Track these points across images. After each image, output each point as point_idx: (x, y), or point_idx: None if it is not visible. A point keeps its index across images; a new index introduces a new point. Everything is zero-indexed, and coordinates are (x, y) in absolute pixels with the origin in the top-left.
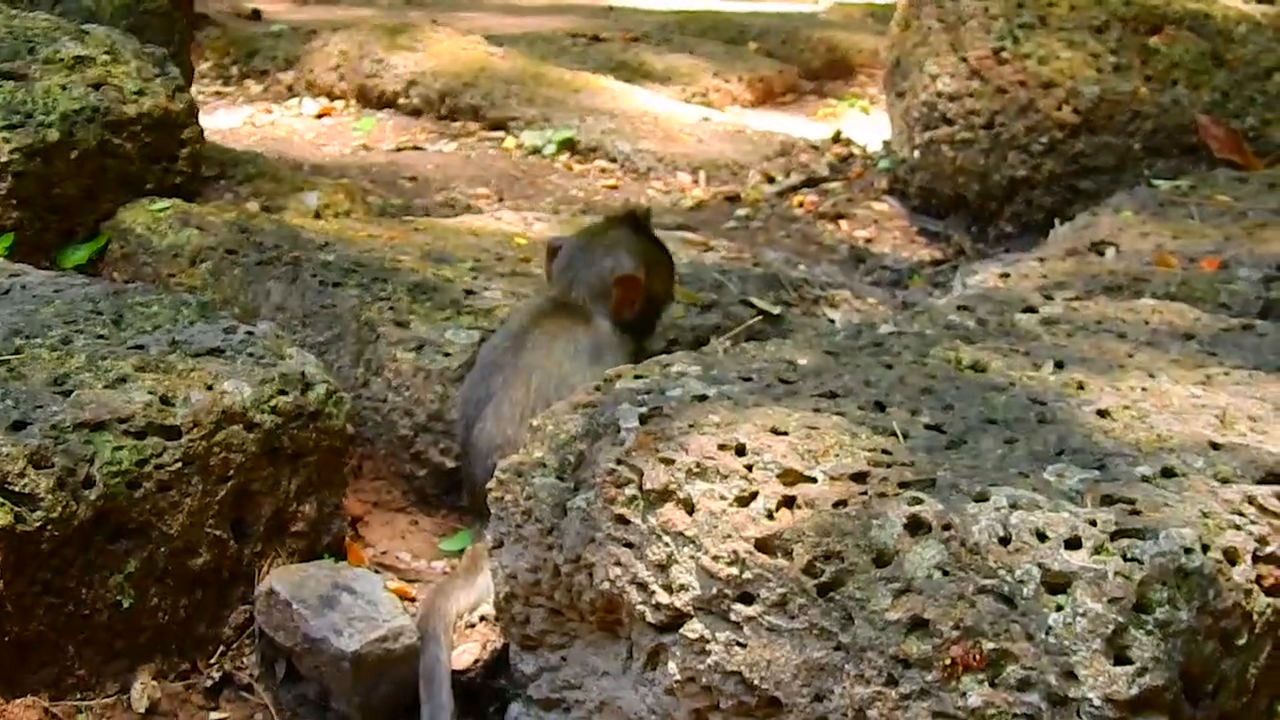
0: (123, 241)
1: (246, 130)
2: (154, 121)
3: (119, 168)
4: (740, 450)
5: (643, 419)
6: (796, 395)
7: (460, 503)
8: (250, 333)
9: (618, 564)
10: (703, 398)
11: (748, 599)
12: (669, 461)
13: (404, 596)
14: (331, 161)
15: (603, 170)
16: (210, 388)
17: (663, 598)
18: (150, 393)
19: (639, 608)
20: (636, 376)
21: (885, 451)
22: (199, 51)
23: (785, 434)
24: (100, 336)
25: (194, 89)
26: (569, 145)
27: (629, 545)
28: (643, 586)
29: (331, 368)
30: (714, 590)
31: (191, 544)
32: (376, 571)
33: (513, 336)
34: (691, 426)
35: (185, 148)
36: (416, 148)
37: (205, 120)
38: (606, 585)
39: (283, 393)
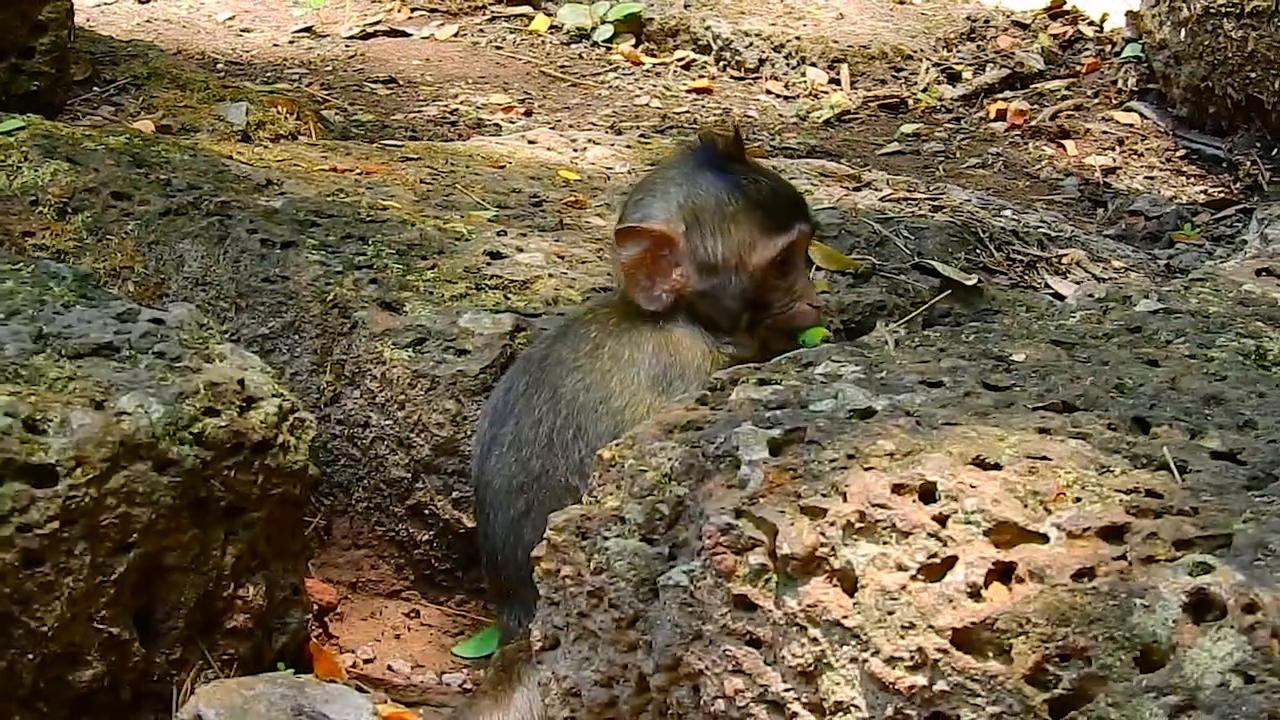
0: None
1: (126, 9)
2: None
3: None
4: (928, 494)
5: (775, 447)
6: (1012, 408)
7: (484, 583)
8: (158, 320)
9: (739, 671)
10: (867, 413)
11: None
12: (817, 512)
13: None
14: (261, 55)
15: (688, 64)
16: (100, 406)
17: None
18: (8, 414)
19: None
20: (763, 381)
21: (1152, 493)
22: None
23: (997, 468)
24: None
25: None
26: (634, 25)
27: (756, 643)
28: (778, 707)
29: (283, 374)
30: (890, 711)
31: (74, 647)
32: (359, 689)
33: (558, 331)
34: (851, 458)
35: (46, 34)
36: (394, 32)
37: None
38: (722, 705)
39: (211, 413)
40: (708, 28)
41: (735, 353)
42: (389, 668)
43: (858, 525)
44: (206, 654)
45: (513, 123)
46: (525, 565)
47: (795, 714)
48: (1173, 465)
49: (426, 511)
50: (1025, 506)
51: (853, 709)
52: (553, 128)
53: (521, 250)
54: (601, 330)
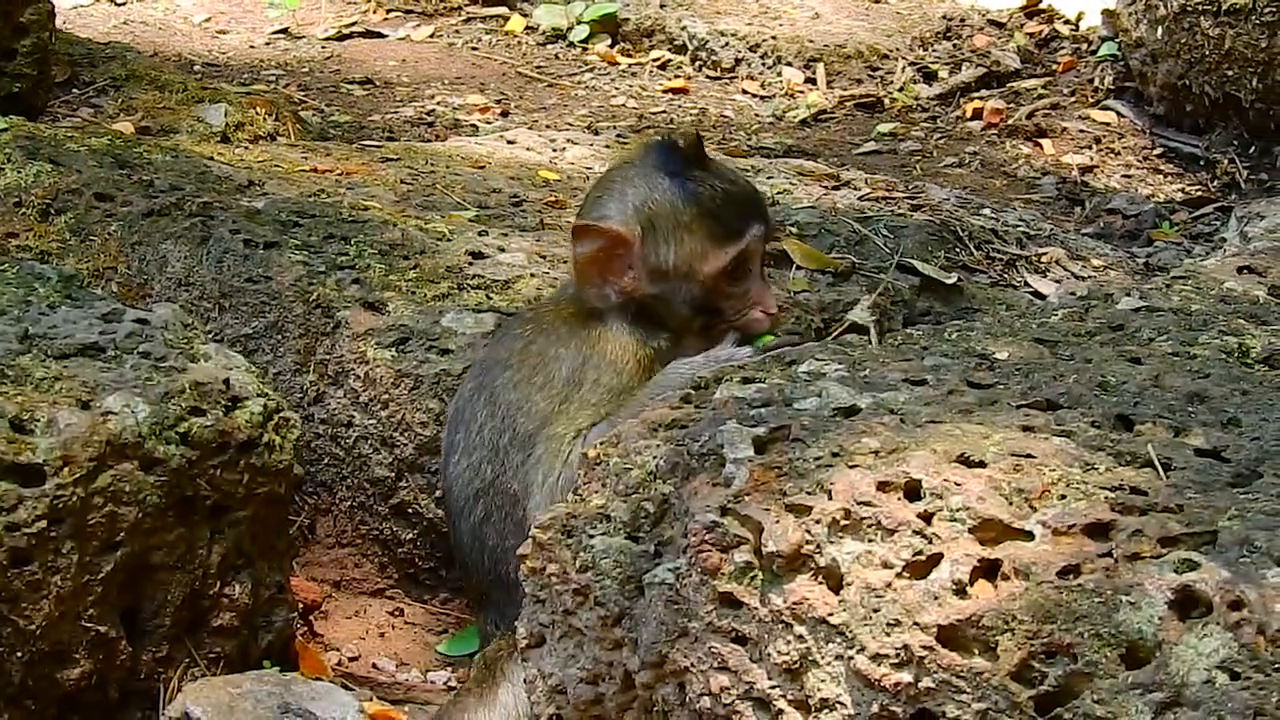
0: None
1: (101, 11)
2: None
3: None
4: (913, 491)
5: (759, 445)
6: (996, 406)
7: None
8: (143, 321)
9: (724, 669)
10: (851, 411)
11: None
12: (802, 510)
13: None
14: (238, 57)
15: (664, 65)
16: (86, 406)
17: None
18: None
19: None
20: (747, 380)
21: (1137, 490)
22: None
23: (981, 465)
24: None
25: None
26: (610, 26)
27: (741, 640)
28: (764, 704)
29: (267, 374)
30: (876, 708)
31: (62, 645)
32: (345, 686)
33: (502, 331)
34: (835, 456)
35: (28, 37)
36: (370, 33)
37: None
38: (707, 702)
39: (196, 412)
40: (683, 28)
41: (668, 347)
42: (374, 665)
43: (843, 523)
44: (193, 652)
45: (489, 123)
46: (492, 570)
47: (781, 711)
48: (1157, 462)
49: (410, 510)
50: (1010, 504)
51: (838, 706)
52: (530, 128)
53: (503, 250)
54: (536, 328)
